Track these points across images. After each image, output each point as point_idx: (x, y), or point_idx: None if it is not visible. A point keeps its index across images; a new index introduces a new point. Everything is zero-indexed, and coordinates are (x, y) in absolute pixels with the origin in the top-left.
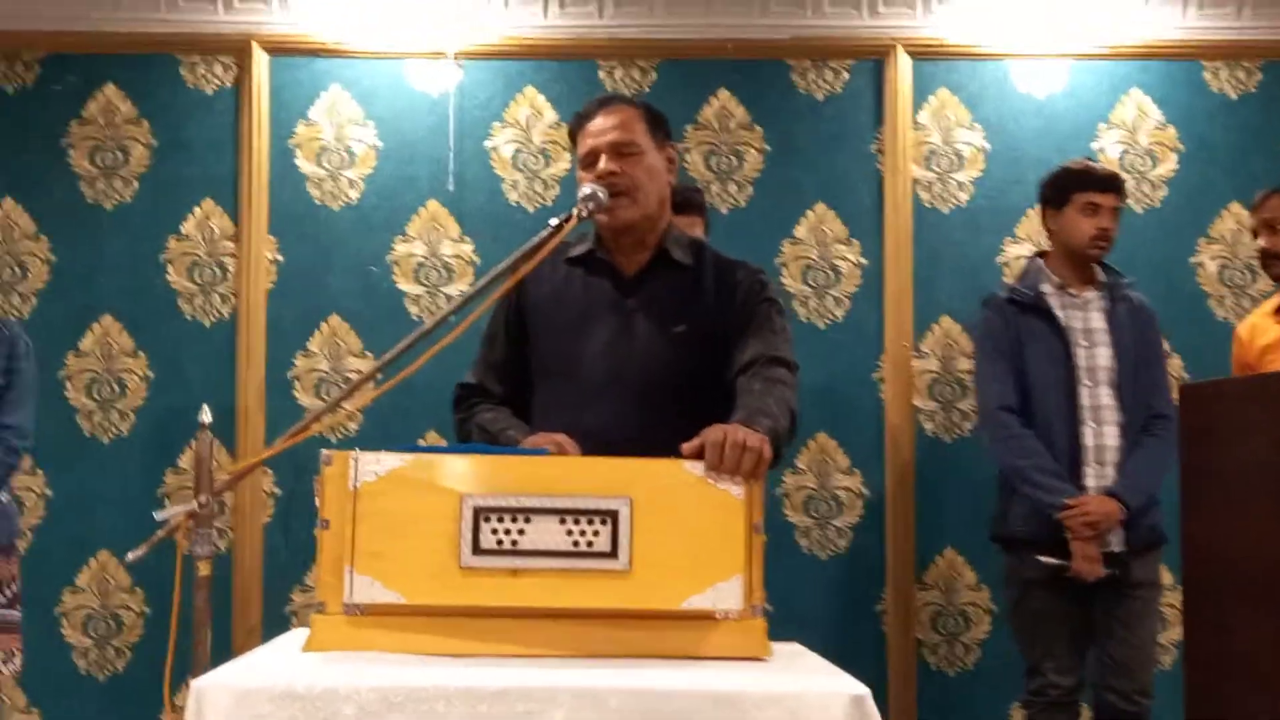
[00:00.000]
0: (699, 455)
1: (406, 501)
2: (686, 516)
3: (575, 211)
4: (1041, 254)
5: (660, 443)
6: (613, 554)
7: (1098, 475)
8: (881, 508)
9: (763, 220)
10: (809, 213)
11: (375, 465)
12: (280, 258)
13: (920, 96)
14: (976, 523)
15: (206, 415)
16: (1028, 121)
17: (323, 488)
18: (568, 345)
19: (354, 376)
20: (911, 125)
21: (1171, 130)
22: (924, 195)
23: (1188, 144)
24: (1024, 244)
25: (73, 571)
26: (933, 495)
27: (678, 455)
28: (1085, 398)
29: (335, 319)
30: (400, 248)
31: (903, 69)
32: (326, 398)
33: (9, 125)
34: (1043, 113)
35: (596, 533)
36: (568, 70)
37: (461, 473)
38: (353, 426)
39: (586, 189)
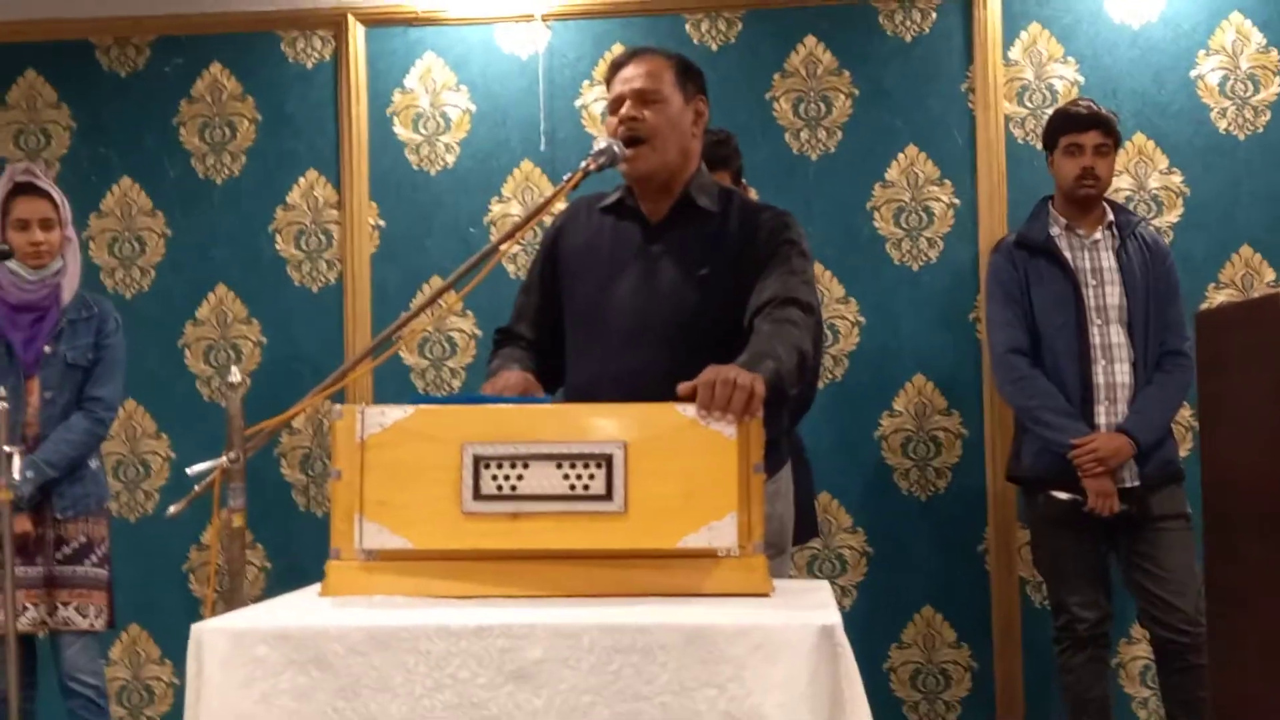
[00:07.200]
0: (693, 397)
1: (411, 451)
2: (680, 458)
3: (584, 165)
4: (1050, 197)
5: None
6: (608, 496)
7: (1109, 413)
8: (981, 448)
9: (854, 165)
10: (900, 155)
11: (381, 417)
12: (382, 223)
13: (1011, 32)
14: None
15: (235, 375)
16: (1123, 52)
17: (334, 440)
18: (596, 293)
19: (455, 335)
20: (1003, 62)
21: (1274, 53)
22: (1017, 132)
23: None
24: (1121, 176)
25: (200, 529)
26: None
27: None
28: (1095, 336)
29: (436, 280)
30: (496, 208)
31: (992, 5)
32: (430, 356)
33: (124, 108)
34: (1138, 42)
35: (593, 476)
36: (655, 26)
37: (462, 422)
38: (456, 384)
39: (601, 143)
